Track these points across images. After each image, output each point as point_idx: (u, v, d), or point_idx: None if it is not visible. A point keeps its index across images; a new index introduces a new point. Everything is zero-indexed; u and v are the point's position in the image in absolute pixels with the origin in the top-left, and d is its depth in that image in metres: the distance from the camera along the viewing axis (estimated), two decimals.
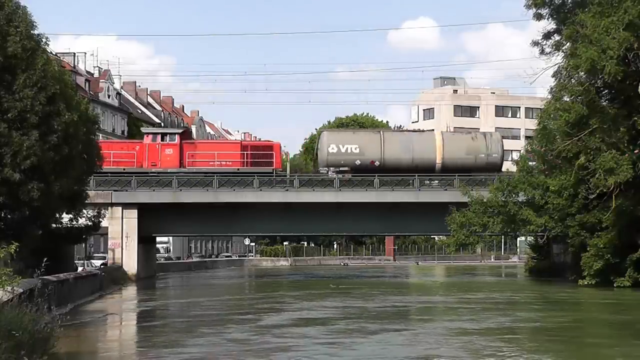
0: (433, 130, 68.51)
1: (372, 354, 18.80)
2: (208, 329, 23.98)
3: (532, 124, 70.23)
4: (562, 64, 41.60)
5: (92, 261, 55.15)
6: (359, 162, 54.11)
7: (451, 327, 24.46)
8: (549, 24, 44.05)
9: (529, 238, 61.96)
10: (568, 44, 40.83)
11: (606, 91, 42.27)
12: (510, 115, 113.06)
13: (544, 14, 43.50)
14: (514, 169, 54.12)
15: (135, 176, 52.49)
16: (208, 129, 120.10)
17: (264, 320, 26.52)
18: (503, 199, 46.75)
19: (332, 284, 48.22)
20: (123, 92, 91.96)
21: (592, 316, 29.78)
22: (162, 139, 53.90)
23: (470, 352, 19.35)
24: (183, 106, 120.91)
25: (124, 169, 52.64)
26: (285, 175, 55.89)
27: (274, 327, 24.29)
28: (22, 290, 16.78)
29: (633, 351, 19.48)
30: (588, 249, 41.34)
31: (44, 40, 32.05)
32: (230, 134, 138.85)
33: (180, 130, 59.05)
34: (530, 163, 47.42)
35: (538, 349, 20.05)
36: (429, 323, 26.00)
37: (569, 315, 28.95)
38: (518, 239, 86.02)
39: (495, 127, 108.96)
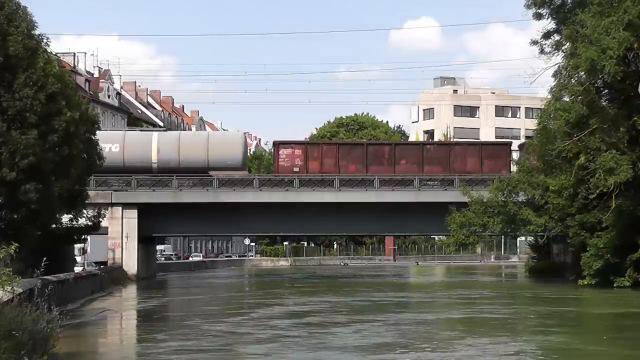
0: None
1: (348, 339, 20.91)
2: (206, 325, 24.59)
3: (532, 124, 70.20)
4: (562, 64, 41.65)
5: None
6: None
7: (416, 318, 27.28)
8: (549, 24, 44.13)
9: (529, 238, 61.90)
10: (568, 44, 40.86)
11: (606, 91, 42.28)
12: (510, 115, 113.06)
13: (544, 14, 43.56)
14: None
15: (135, 176, 52.50)
16: (208, 129, 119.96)
17: (256, 314, 28.31)
18: (503, 199, 46.72)
19: (287, 283, 51.78)
20: (123, 92, 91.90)
21: (556, 310, 30.23)
22: None
23: (422, 338, 21.42)
24: (183, 106, 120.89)
25: None
26: None
27: (264, 319, 26.24)
28: (22, 290, 16.76)
29: (563, 338, 21.22)
30: (588, 249, 41.31)
31: (44, 40, 32.05)
32: None
33: None
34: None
35: (483, 334, 21.86)
36: (401, 315, 28.42)
37: (534, 309, 30.51)
38: (518, 239, 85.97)
39: (496, 127, 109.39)
